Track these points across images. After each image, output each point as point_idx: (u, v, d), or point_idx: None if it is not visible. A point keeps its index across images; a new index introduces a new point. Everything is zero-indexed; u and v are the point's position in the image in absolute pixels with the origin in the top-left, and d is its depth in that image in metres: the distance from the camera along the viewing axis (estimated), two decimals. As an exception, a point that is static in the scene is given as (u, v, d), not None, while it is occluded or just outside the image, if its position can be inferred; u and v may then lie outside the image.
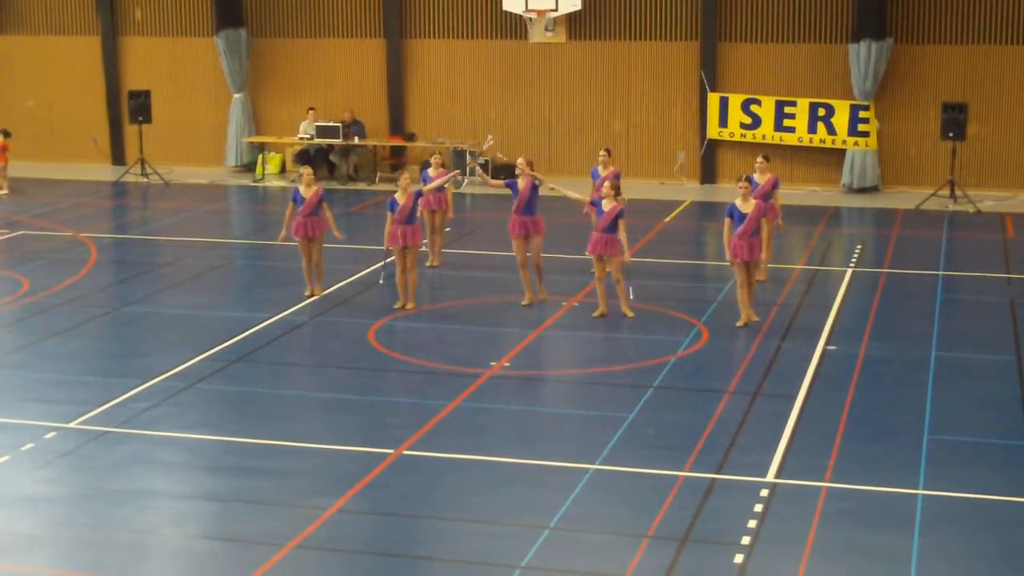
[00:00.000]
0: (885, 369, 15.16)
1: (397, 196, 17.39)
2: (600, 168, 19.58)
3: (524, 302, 17.68)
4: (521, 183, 17.70)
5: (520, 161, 17.96)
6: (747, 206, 16.47)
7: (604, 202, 17.01)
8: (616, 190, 17.19)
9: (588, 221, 20.02)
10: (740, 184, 16.69)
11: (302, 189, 17.90)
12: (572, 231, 21.11)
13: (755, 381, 14.61)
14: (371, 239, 21.48)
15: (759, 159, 19.16)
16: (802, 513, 11.07)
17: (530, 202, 17.70)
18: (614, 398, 14.15)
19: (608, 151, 20.05)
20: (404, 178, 17.68)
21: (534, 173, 17.96)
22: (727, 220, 16.58)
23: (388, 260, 18.44)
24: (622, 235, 16.85)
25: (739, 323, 16.65)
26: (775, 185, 18.87)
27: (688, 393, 14.25)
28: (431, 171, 20.06)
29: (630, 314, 17.12)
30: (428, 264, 19.82)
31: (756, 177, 18.85)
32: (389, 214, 17.36)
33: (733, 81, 27.80)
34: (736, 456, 12.37)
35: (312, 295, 18.10)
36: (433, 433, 13.04)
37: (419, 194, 17.81)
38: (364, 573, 10.27)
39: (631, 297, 17.32)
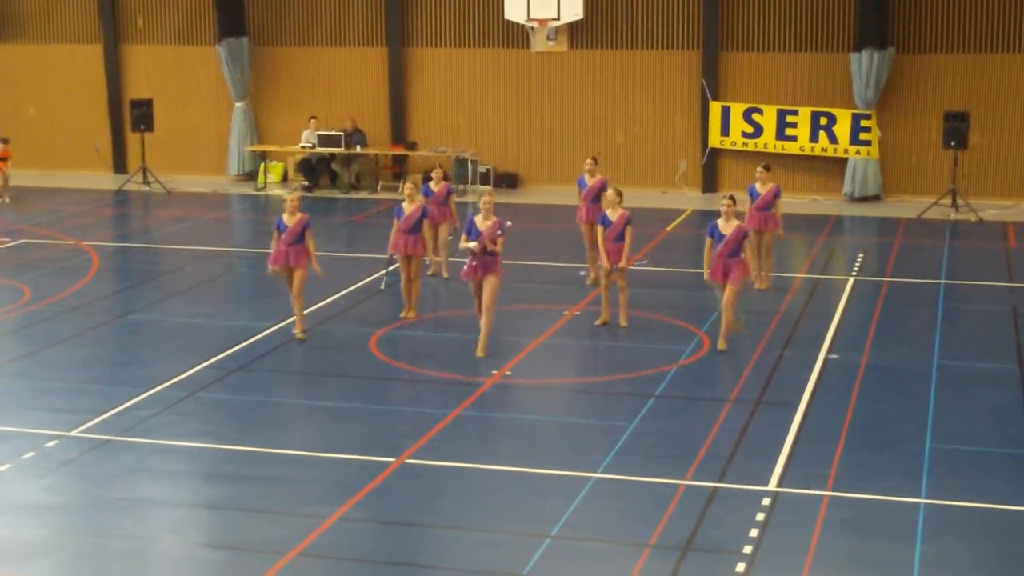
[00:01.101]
0: (887, 378, 15.15)
1: (404, 205, 17.40)
2: (587, 176, 19.51)
3: (479, 353, 15.85)
4: (484, 224, 15.84)
5: (485, 199, 16.21)
6: (728, 227, 16.00)
7: (610, 212, 16.98)
8: (620, 197, 17.14)
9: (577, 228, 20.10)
10: (723, 202, 16.14)
11: (285, 217, 16.32)
12: (566, 239, 21.10)
13: (757, 390, 14.60)
14: (373, 248, 21.48)
15: (759, 169, 19.18)
16: (804, 522, 11.06)
17: (494, 243, 15.71)
18: (616, 407, 14.14)
19: (595, 159, 19.92)
20: (408, 187, 17.66)
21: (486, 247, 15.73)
22: (708, 240, 16.16)
23: (391, 268, 18.45)
24: (627, 242, 16.83)
25: (736, 330, 16.39)
26: (776, 195, 18.88)
27: (690, 402, 14.24)
28: (432, 184, 19.59)
29: (624, 324, 17.10)
30: (430, 273, 19.77)
31: (757, 187, 18.89)
32: (396, 221, 17.37)
33: (735, 90, 27.81)
34: (738, 465, 12.36)
35: (301, 335, 16.59)
36: (435, 442, 13.03)
37: (426, 212, 17.62)
38: (365, 582, 10.27)
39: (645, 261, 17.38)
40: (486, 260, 15.69)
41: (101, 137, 31.14)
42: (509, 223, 16.27)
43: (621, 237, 16.87)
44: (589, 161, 19.77)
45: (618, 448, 12.79)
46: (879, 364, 15.62)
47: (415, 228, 17.29)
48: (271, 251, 16.53)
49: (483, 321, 15.79)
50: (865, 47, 26.30)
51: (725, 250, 15.92)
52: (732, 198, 16.16)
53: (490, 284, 15.69)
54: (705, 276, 16.24)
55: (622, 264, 16.91)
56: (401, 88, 29.32)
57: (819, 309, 18.29)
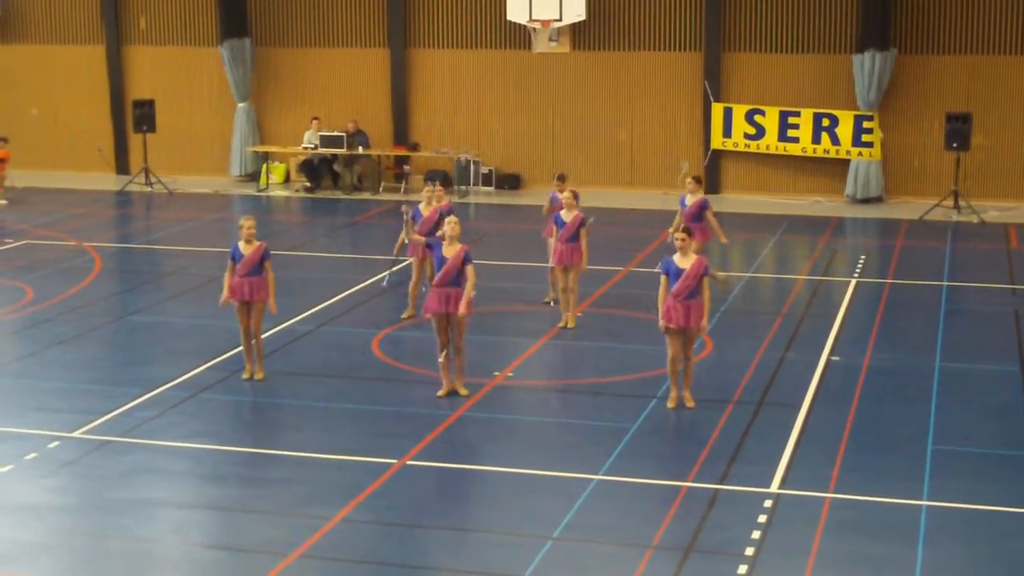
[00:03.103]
0: (889, 379, 15.14)
1: (421, 207, 17.31)
2: (558, 192, 18.13)
3: (440, 392, 14.46)
4: (450, 250, 14.19)
5: (451, 220, 14.27)
6: (685, 261, 13.73)
7: (564, 212, 16.97)
8: (576, 198, 17.07)
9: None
10: (677, 236, 13.91)
11: (241, 245, 14.81)
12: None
13: (759, 391, 14.60)
14: (375, 249, 21.48)
15: (689, 180, 18.57)
16: (806, 524, 11.06)
17: (460, 273, 14.15)
18: (618, 408, 14.13)
19: (562, 177, 18.49)
20: (428, 189, 17.57)
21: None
22: (662, 278, 13.81)
23: (396, 267, 18.40)
24: (583, 244, 16.83)
25: (670, 404, 14.01)
26: (704, 207, 18.25)
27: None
28: (423, 207, 17.53)
29: (572, 324, 17.12)
30: (404, 316, 17.90)
31: (687, 198, 18.45)
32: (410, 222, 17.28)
33: (737, 91, 27.81)
34: (740, 467, 12.36)
35: (252, 377, 15.13)
36: (436, 443, 13.03)
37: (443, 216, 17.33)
38: (367, 583, 10.28)
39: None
40: (451, 292, 14.05)
41: (103, 138, 31.14)
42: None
43: (574, 238, 16.86)
44: (557, 180, 18.39)
45: (620, 450, 12.79)
46: (881, 366, 15.62)
47: (432, 232, 17.14)
48: (225, 283, 14.92)
49: (458, 363, 14.34)
50: (867, 48, 26.29)
51: (684, 288, 13.63)
52: (688, 231, 13.97)
53: (459, 320, 14.14)
54: (660, 324, 13.88)
55: (584, 267, 16.94)
56: (403, 89, 29.32)
57: (821, 311, 18.29)
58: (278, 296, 15.51)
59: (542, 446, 13.10)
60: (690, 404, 14.01)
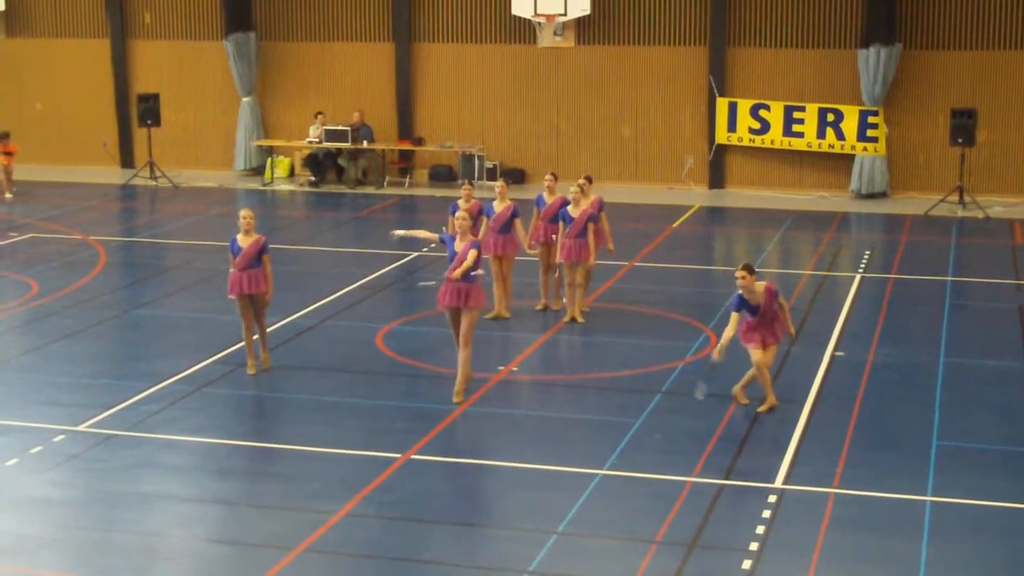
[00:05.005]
0: (893, 375, 15.14)
1: (494, 204, 17.09)
2: (545, 194, 17.54)
3: (456, 398, 14.12)
4: (459, 243, 14.04)
5: (459, 216, 14.19)
6: (757, 297, 13.55)
7: (571, 208, 16.84)
8: (584, 191, 16.83)
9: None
10: (737, 274, 13.47)
11: (240, 237, 14.76)
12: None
13: (763, 387, 14.57)
14: (380, 244, 21.46)
15: (582, 180, 17.29)
16: (810, 519, 11.06)
17: (472, 267, 14.00)
18: (622, 403, 14.13)
19: (555, 175, 17.77)
20: (500, 184, 17.32)
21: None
22: (734, 315, 13.56)
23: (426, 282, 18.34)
24: (591, 239, 16.74)
25: (762, 407, 13.88)
26: (600, 207, 17.27)
27: (696, 399, 14.20)
28: (496, 204, 17.24)
29: (580, 319, 17.09)
30: (488, 317, 17.14)
31: (570, 208, 17.11)
32: (484, 220, 17.08)
33: (742, 86, 27.78)
34: (744, 462, 12.36)
35: (254, 371, 15.03)
36: (441, 438, 13.04)
37: (516, 212, 17.03)
38: (372, 577, 10.29)
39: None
40: (462, 287, 13.87)
41: (108, 132, 31.16)
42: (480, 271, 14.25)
43: (582, 234, 16.73)
44: (549, 177, 17.72)
45: (624, 445, 12.80)
46: (885, 361, 15.61)
47: (505, 228, 17.02)
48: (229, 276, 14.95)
49: (460, 357, 14.04)
50: (872, 43, 26.26)
51: (763, 322, 13.65)
52: (748, 268, 13.50)
53: (468, 316, 13.89)
54: (750, 348, 13.72)
55: (591, 262, 16.87)
56: (408, 83, 29.31)
57: (826, 306, 18.28)
58: (283, 290, 15.51)
59: (546, 441, 13.10)
60: (775, 403, 13.87)
